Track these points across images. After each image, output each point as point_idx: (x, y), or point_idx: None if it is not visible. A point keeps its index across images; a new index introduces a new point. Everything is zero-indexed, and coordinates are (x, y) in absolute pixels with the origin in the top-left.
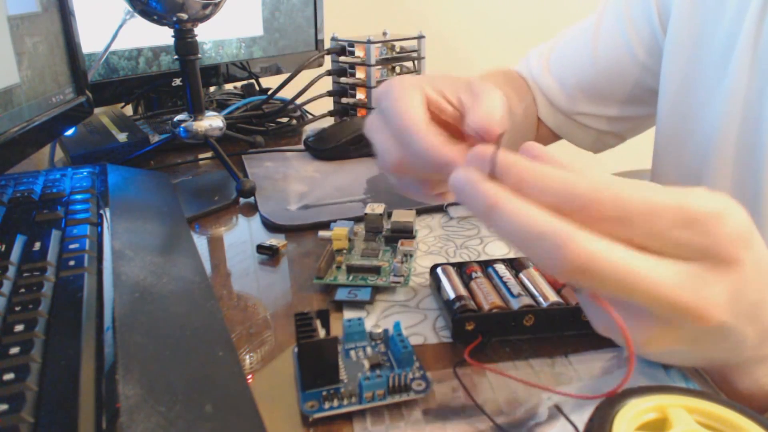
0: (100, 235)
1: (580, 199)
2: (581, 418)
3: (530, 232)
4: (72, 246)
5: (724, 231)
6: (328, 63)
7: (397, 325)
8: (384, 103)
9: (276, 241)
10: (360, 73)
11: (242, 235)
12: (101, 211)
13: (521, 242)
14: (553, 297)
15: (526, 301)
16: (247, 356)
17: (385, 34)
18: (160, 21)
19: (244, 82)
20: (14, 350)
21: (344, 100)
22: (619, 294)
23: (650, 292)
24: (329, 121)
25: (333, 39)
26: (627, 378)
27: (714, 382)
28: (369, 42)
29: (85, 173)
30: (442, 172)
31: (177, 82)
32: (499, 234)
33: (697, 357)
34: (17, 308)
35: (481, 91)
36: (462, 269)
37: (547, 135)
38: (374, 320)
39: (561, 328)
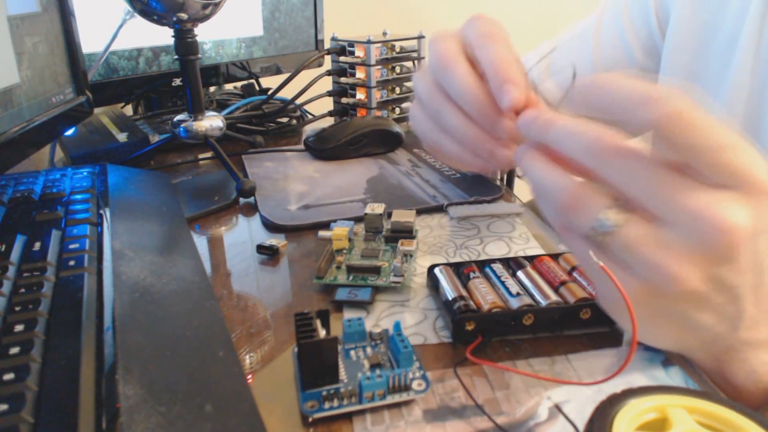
0: (100, 235)
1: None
2: (581, 418)
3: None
4: (72, 246)
5: (756, 165)
6: (328, 63)
7: (397, 325)
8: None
9: (276, 241)
10: (360, 73)
11: (242, 235)
12: (101, 211)
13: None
14: (552, 296)
15: (526, 300)
16: (247, 356)
17: (385, 34)
18: (160, 21)
19: (244, 82)
20: (14, 350)
21: (344, 100)
22: (653, 196)
23: (677, 197)
24: (329, 121)
25: (333, 39)
26: (629, 358)
27: (711, 379)
28: (369, 42)
29: (85, 173)
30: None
31: (177, 82)
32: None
33: (693, 330)
34: (17, 308)
35: None
36: (459, 269)
37: None
38: (374, 320)
39: (561, 327)
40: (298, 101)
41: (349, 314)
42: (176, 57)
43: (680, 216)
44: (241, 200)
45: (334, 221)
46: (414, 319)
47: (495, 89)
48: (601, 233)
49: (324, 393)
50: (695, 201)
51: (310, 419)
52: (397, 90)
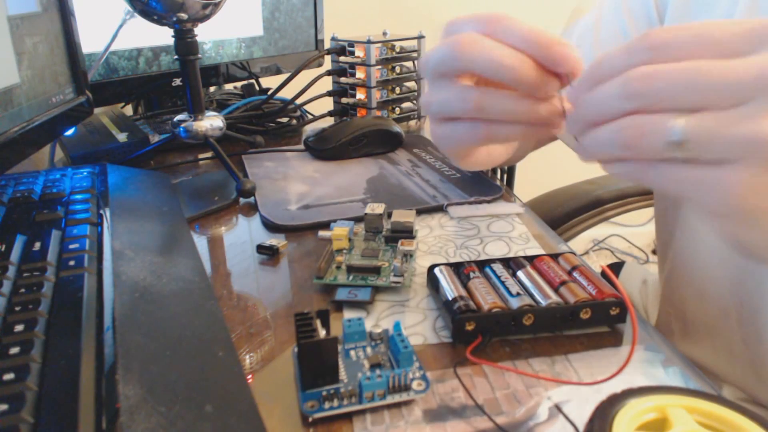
0: (100, 235)
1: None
2: (581, 418)
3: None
4: (72, 246)
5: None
6: (328, 63)
7: (397, 325)
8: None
9: (276, 241)
10: (360, 73)
11: (242, 235)
12: (101, 211)
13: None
14: (552, 296)
15: (526, 300)
16: (247, 356)
17: (385, 34)
18: (160, 21)
19: (244, 82)
20: (14, 350)
21: (344, 100)
22: (714, 88)
23: (726, 73)
24: (329, 121)
25: (333, 39)
26: (629, 358)
27: None
28: (369, 42)
29: (85, 173)
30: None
31: (177, 82)
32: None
33: None
34: (17, 308)
35: None
36: (459, 269)
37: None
38: (374, 320)
39: (560, 327)
40: (298, 101)
41: (349, 314)
42: (176, 57)
43: (748, 88)
44: (241, 200)
45: (334, 221)
46: (414, 319)
47: (546, 54)
48: (679, 142)
49: (324, 393)
50: (756, 67)
51: (310, 419)
52: (397, 90)
